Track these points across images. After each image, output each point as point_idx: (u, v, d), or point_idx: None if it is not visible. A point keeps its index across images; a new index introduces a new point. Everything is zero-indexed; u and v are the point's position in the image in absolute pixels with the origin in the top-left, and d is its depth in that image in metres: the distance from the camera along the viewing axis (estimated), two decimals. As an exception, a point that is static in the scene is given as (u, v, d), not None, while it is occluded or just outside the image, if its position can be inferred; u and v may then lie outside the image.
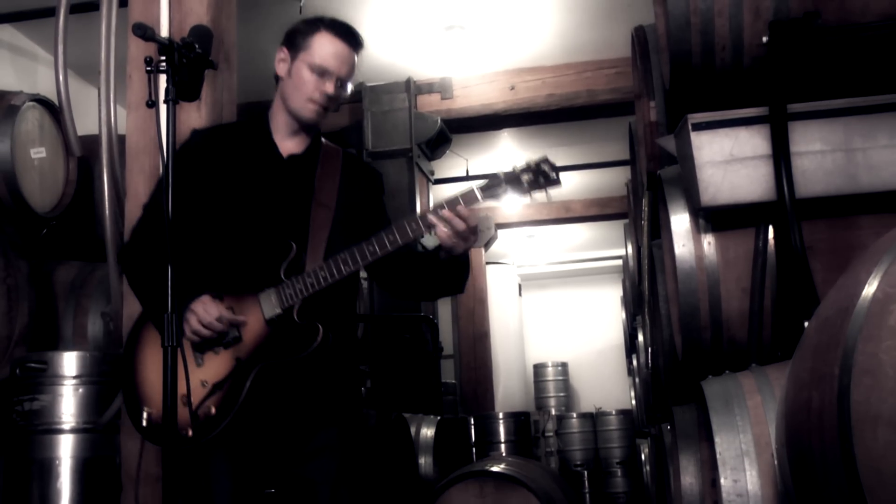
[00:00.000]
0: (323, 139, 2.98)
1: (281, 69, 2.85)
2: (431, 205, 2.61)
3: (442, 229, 2.59)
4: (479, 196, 2.61)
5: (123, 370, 2.80)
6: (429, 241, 3.15)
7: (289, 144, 2.88)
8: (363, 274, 3.10)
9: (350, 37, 2.83)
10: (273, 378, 2.69)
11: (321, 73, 2.77)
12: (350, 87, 2.87)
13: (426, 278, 2.86)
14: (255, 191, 2.81)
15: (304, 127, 2.87)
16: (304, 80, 2.78)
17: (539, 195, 2.66)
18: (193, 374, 2.61)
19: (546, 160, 2.68)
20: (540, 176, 2.65)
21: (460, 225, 2.59)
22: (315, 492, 2.77)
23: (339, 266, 2.64)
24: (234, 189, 2.80)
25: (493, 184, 2.63)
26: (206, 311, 2.62)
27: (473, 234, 2.65)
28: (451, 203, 2.59)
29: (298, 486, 2.78)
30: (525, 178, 2.64)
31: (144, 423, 2.71)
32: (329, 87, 2.77)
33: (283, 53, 2.85)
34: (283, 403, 2.74)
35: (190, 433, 2.60)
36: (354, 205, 2.89)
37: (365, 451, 3.05)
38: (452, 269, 2.76)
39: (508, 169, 2.65)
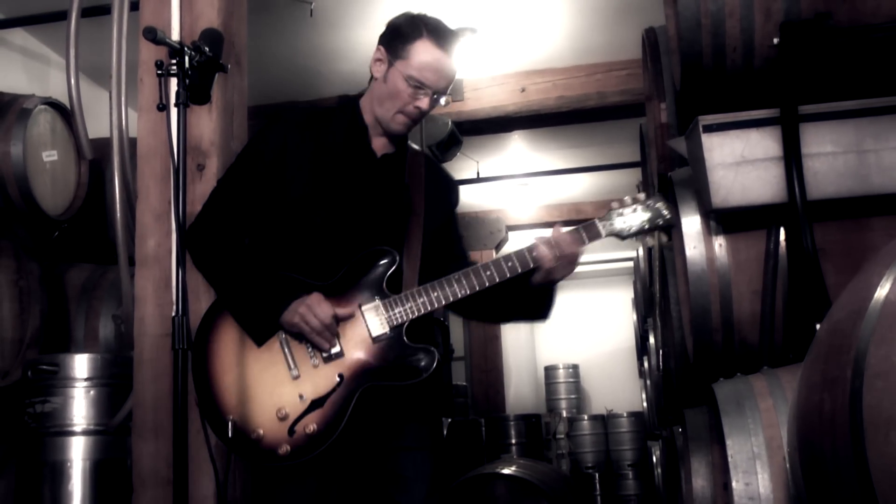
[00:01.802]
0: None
1: (377, 70, 2.68)
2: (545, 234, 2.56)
3: (551, 254, 2.52)
4: (601, 231, 2.57)
5: (195, 370, 2.55)
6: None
7: (381, 142, 2.73)
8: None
9: (451, 44, 2.66)
10: (376, 398, 2.53)
11: (418, 86, 2.60)
12: (444, 99, 2.70)
13: (515, 305, 2.72)
14: (349, 188, 2.65)
15: (391, 135, 2.72)
16: (399, 91, 2.61)
17: (655, 240, 2.63)
18: (289, 386, 2.50)
19: (661, 197, 2.61)
20: (659, 218, 2.58)
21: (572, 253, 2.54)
22: (406, 487, 2.64)
23: (454, 290, 2.52)
24: (326, 181, 2.64)
25: (612, 221, 2.58)
26: (321, 307, 2.47)
27: (574, 265, 2.58)
28: (574, 232, 2.55)
29: (388, 481, 2.64)
30: (645, 218, 2.58)
31: (231, 434, 2.48)
32: (424, 103, 2.62)
33: (380, 53, 2.68)
34: (378, 422, 2.60)
35: (287, 450, 2.45)
36: (438, 215, 2.76)
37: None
38: (544, 295, 2.67)
39: (623, 202, 2.59)
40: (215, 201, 2.71)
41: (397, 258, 2.56)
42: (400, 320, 2.52)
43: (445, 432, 6.66)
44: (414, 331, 2.54)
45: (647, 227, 2.57)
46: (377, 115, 2.69)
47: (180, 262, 2.39)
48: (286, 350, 2.53)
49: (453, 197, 2.90)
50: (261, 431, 2.48)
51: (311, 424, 2.47)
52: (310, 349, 2.52)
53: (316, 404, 2.48)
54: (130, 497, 3.37)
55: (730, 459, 2.47)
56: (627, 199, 2.58)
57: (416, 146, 2.87)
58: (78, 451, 4.14)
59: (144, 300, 3.42)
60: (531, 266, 2.52)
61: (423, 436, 2.68)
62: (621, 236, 2.57)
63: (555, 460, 10.02)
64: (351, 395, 2.48)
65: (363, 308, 2.54)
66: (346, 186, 2.65)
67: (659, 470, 7.25)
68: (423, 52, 2.61)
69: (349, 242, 2.59)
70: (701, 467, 3.32)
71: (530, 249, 2.53)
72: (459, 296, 2.51)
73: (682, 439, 3.80)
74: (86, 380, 4.19)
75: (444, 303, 2.52)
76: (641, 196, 2.60)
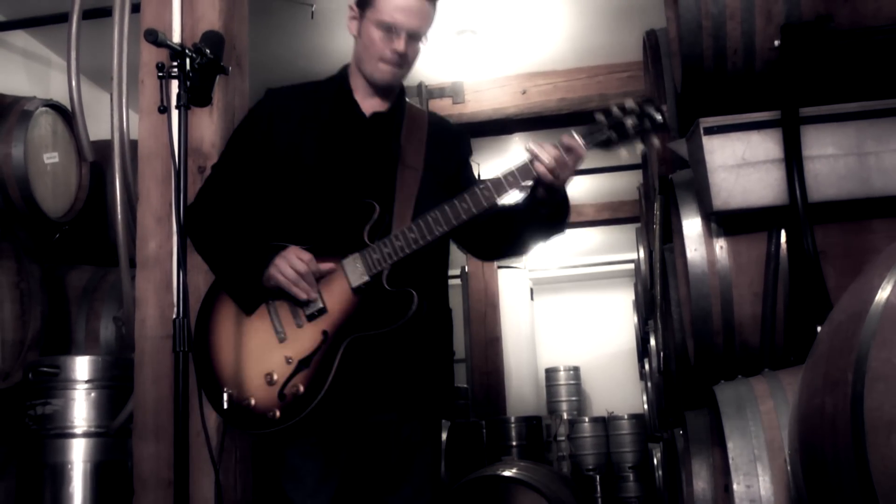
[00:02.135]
0: (408, 100, 2.82)
1: (352, 28, 2.69)
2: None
3: (543, 163, 2.41)
4: (580, 142, 2.42)
5: (196, 348, 2.56)
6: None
7: (371, 103, 2.72)
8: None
9: None
10: (364, 352, 2.49)
11: (389, 29, 2.58)
12: (425, 40, 2.67)
13: (524, 226, 2.64)
14: (337, 150, 2.64)
15: (381, 88, 2.70)
16: (373, 40, 2.61)
17: (646, 145, 2.46)
18: (276, 350, 2.49)
19: (649, 100, 2.46)
20: (646, 119, 2.42)
21: (561, 157, 2.41)
22: (413, 454, 2.63)
23: (430, 227, 2.44)
24: (314, 148, 2.64)
25: (595, 130, 2.43)
26: (295, 258, 2.46)
27: (578, 162, 2.44)
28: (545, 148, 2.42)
29: (397, 446, 2.62)
30: (630, 123, 2.42)
31: (226, 406, 2.49)
32: (399, 45, 2.59)
33: (352, 11, 2.68)
34: (375, 381, 2.55)
35: (277, 414, 2.44)
36: (443, 167, 2.71)
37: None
38: (553, 205, 2.57)
39: (609, 112, 2.44)
40: (209, 182, 2.75)
41: (377, 208, 2.51)
42: (378, 267, 2.47)
43: (446, 435, 6.65)
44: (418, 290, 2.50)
45: (631, 132, 2.43)
46: (363, 72, 2.69)
47: (181, 264, 2.39)
48: (273, 315, 2.54)
49: (462, 149, 2.86)
50: (252, 400, 2.48)
51: (298, 385, 2.45)
52: (294, 310, 2.51)
53: (303, 364, 2.47)
54: (131, 499, 3.37)
55: (731, 461, 2.47)
56: (614, 108, 2.45)
57: (418, 106, 2.85)
58: (79, 453, 4.14)
59: (145, 302, 3.42)
60: (507, 189, 2.45)
61: (426, 422, 2.66)
62: (608, 146, 2.44)
63: (555, 462, 10.01)
64: (335, 350, 2.46)
65: (343, 262, 2.50)
66: (333, 148, 2.65)
67: (660, 472, 7.25)
68: None
69: (338, 203, 2.58)
70: (702, 469, 3.32)
71: (504, 174, 2.45)
72: (437, 233, 2.45)
73: (682, 441, 3.79)
74: (87, 382, 4.19)
75: (421, 243, 2.45)
76: (629, 102, 2.46)
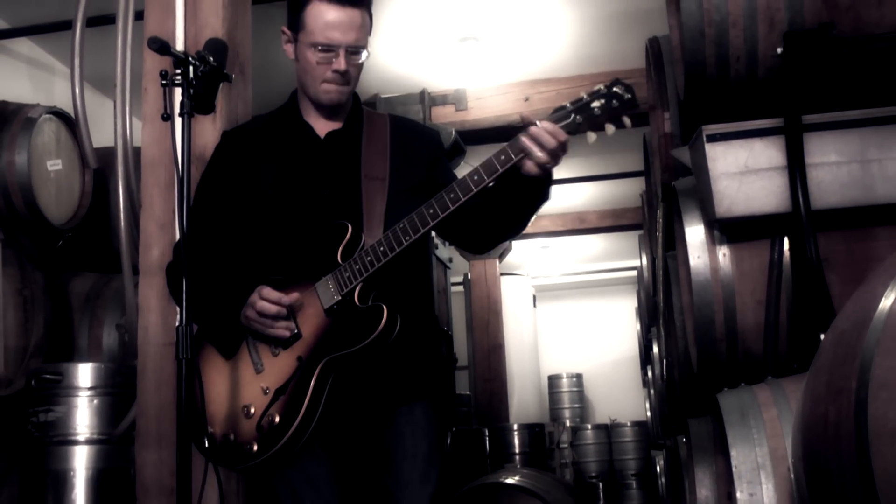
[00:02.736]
0: (366, 108, 2.76)
1: (289, 52, 2.63)
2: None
3: (536, 160, 2.29)
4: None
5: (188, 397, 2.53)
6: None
7: (325, 123, 2.67)
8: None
9: None
10: (343, 375, 2.44)
11: (326, 50, 2.52)
12: (366, 53, 2.57)
13: (509, 211, 2.50)
14: (295, 176, 2.60)
15: (330, 110, 2.65)
16: (311, 63, 2.55)
17: (614, 125, 2.33)
18: (254, 382, 2.45)
19: (617, 81, 2.35)
20: (613, 99, 2.31)
21: (550, 142, 2.28)
22: (402, 439, 2.53)
23: (398, 237, 2.36)
24: (273, 178, 2.60)
25: (561, 116, 2.32)
26: (267, 298, 2.41)
27: (562, 150, 2.31)
28: (513, 142, 2.32)
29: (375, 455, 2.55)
30: (597, 105, 2.31)
31: (207, 444, 2.46)
32: (340, 64, 2.52)
33: (286, 35, 2.63)
34: (355, 399, 2.50)
35: (255, 447, 2.38)
36: (411, 171, 2.63)
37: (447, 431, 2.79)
38: (538, 183, 2.41)
39: (578, 99, 2.34)
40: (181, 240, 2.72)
41: (349, 227, 2.45)
42: (349, 285, 2.41)
43: (449, 442, 6.65)
44: (411, 333, 2.47)
45: (598, 114, 2.32)
46: (308, 95, 2.64)
47: (184, 272, 2.39)
48: (251, 347, 2.50)
49: (430, 148, 2.75)
50: (232, 435, 2.45)
51: (274, 415, 2.39)
52: (270, 341, 2.47)
53: (279, 392, 2.41)
54: (133, 506, 3.37)
55: (734, 469, 2.47)
56: (583, 94, 2.36)
57: (378, 112, 2.79)
58: (81, 461, 4.14)
59: (148, 309, 3.42)
60: (474, 190, 2.33)
61: (414, 411, 2.58)
62: (571, 131, 2.32)
63: (558, 470, 10.00)
64: (310, 374, 2.39)
65: (317, 285, 2.46)
66: (291, 175, 2.61)
67: (662, 480, 7.24)
68: (317, 16, 2.52)
69: (308, 228, 2.54)
70: (705, 477, 3.32)
71: (471, 174, 2.35)
72: (405, 243, 2.36)
73: (685, 449, 3.79)
74: (89, 389, 4.19)
75: (389, 254, 2.37)
76: (597, 86, 2.37)
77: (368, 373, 2.51)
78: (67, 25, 4.46)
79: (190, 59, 2.42)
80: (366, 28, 2.57)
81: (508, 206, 2.48)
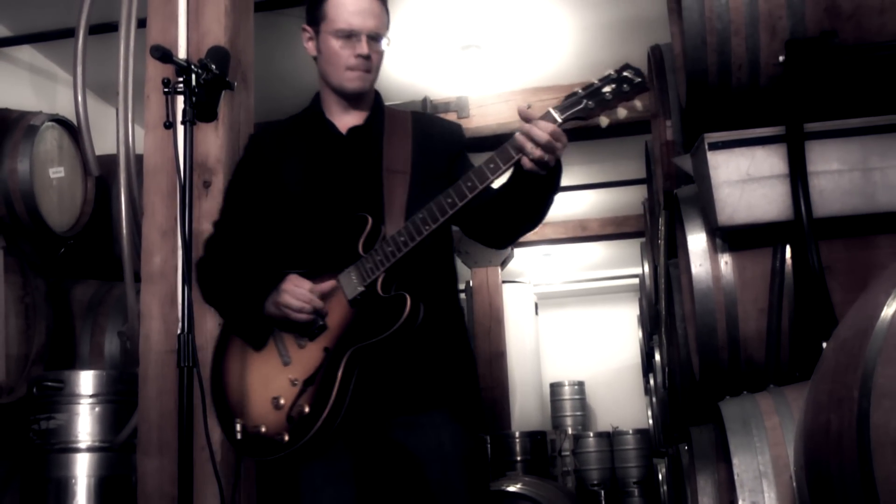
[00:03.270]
0: (387, 104, 2.81)
1: (310, 49, 2.70)
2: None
3: (528, 151, 2.30)
4: (557, 118, 2.34)
5: (212, 378, 2.61)
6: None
7: (347, 119, 2.71)
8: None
9: None
10: (369, 364, 2.47)
11: (348, 36, 2.58)
12: (387, 41, 2.65)
13: (525, 204, 2.52)
14: (318, 172, 2.65)
15: (354, 99, 2.68)
16: (334, 51, 2.61)
17: (627, 108, 2.34)
18: (282, 374, 2.49)
19: (627, 66, 2.36)
20: (624, 83, 2.33)
21: (542, 138, 2.30)
22: (422, 469, 2.51)
23: (418, 227, 2.40)
24: (298, 175, 2.65)
25: (572, 103, 2.35)
26: (296, 286, 2.46)
27: (560, 141, 2.33)
28: (527, 128, 2.32)
29: (403, 459, 2.54)
30: (608, 89, 2.33)
31: (239, 436, 2.51)
32: (362, 48, 2.58)
33: (307, 32, 2.70)
34: (382, 393, 2.51)
35: (286, 438, 2.43)
36: (432, 165, 2.66)
37: (478, 438, 2.73)
38: (551, 179, 2.44)
39: (589, 84, 2.36)
40: (211, 236, 2.77)
41: (369, 219, 2.49)
42: (372, 276, 2.44)
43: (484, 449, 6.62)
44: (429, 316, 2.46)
45: (609, 97, 2.34)
46: (331, 85, 2.68)
47: (186, 279, 2.39)
48: (277, 341, 2.54)
49: (451, 142, 2.78)
50: (263, 427, 2.49)
51: (304, 405, 2.44)
52: (296, 333, 2.51)
53: (307, 384, 2.46)
54: (135, 514, 3.36)
55: (736, 478, 2.46)
56: (594, 80, 2.38)
57: (400, 109, 2.84)
58: (83, 468, 4.14)
59: (150, 317, 3.42)
60: (490, 177, 2.37)
61: (440, 417, 2.55)
62: (584, 117, 2.35)
63: (560, 478, 9.98)
64: (337, 364, 2.44)
65: (340, 276, 2.49)
66: (315, 171, 2.65)
67: (664, 488, 7.23)
68: (338, 5, 2.60)
69: (330, 222, 2.58)
70: (707, 485, 3.31)
71: (486, 162, 2.38)
72: (425, 232, 2.39)
73: (688, 457, 3.78)
74: (91, 396, 4.19)
75: (410, 244, 2.41)
76: (607, 72, 2.38)
77: (395, 371, 2.53)
78: (70, 33, 4.47)
79: (192, 66, 2.43)
80: (384, 19, 2.65)
81: (521, 198, 2.50)
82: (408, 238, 2.41)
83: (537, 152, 2.32)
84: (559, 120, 2.34)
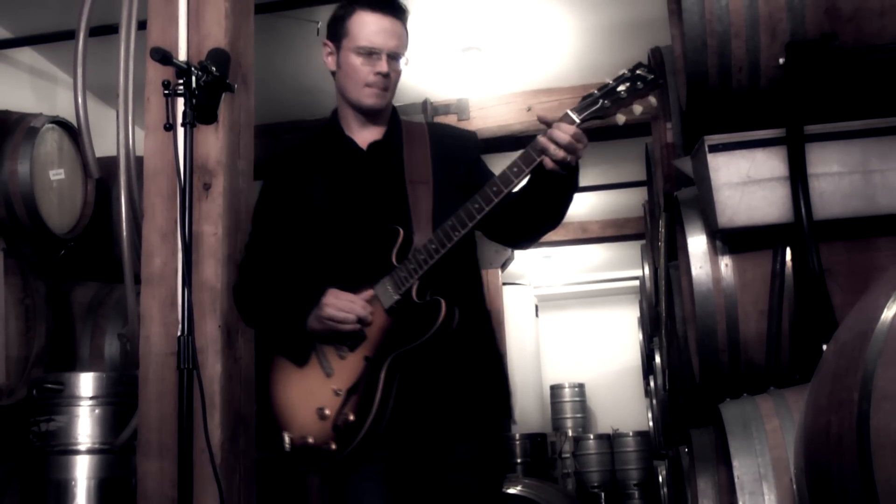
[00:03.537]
0: (403, 118, 2.87)
1: (330, 63, 2.75)
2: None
3: (552, 153, 2.35)
4: (575, 118, 2.38)
5: (258, 395, 2.70)
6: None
7: (366, 135, 2.77)
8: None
9: (389, 7, 2.69)
10: (410, 369, 2.53)
11: (369, 53, 2.65)
12: (405, 60, 2.73)
13: (545, 204, 2.59)
14: (344, 188, 2.70)
15: (372, 115, 2.75)
16: (354, 68, 2.67)
17: (642, 105, 2.40)
18: (325, 386, 2.55)
19: (639, 64, 2.43)
20: (638, 81, 2.39)
21: (564, 139, 2.35)
22: (471, 478, 2.58)
23: (448, 234, 2.46)
24: (323, 193, 2.70)
25: (589, 103, 2.40)
26: (337, 298, 2.52)
27: (582, 142, 2.38)
28: (549, 131, 2.38)
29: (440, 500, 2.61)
30: (622, 88, 2.39)
31: (287, 448, 2.58)
32: (382, 66, 2.65)
33: (328, 47, 2.75)
34: (424, 398, 2.56)
35: (334, 446, 2.49)
36: (453, 175, 2.73)
37: (503, 466, 2.85)
38: (570, 178, 2.49)
39: (604, 85, 2.42)
40: (244, 260, 2.89)
41: (400, 231, 2.56)
42: (407, 284, 2.51)
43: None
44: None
45: (624, 95, 2.39)
46: (349, 101, 2.73)
47: (186, 282, 2.39)
48: (319, 354, 2.60)
49: (469, 151, 2.86)
50: (310, 438, 2.55)
51: (348, 413, 2.50)
52: (337, 345, 2.58)
53: (351, 392, 2.52)
54: (135, 516, 3.36)
55: (736, 480, 2.46)
56: (609, 80, 2.43)
57: (416, 121, 2.91)
58: (83, 470, 4.14)
59: (150, 319, 3.42)
60: (514, 180, 2.44)
61: (472, 452, 2.61)
62: (601, 116, 2.40)
63: (560, 480, 9.99)
64: (378, 371, 2.50)
65: (375, 287, 2.55)
66: (340, 188, 2.70)
67: (665, 490, 7.23)
68: (361, 23, 2.66)
69: (360, 237, 2.63)
70: (707, 488, 3.31)
71: (510, 166, 2.45)
72: (455, 238, 2.46)
73: (688, 459, 3.78)
74: (91, 398, 4.19)
75: (441, 251, 2.47)
76: (621, 71, 2.43)
77: (431, 385, 2.58)
78: (70, 35, 4.47)
79: (192, 69, 2.43)
80: (404, 39, 2.73)
81: (543, 199, 2.56)
82: (439, 245, 2.48)
83: (560, 153, 2.37)
84: (577, 121, 2.39)
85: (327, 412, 2.53)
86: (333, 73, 2.76)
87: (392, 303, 2.52)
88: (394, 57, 2.68)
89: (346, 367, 2.55)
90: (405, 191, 2.66)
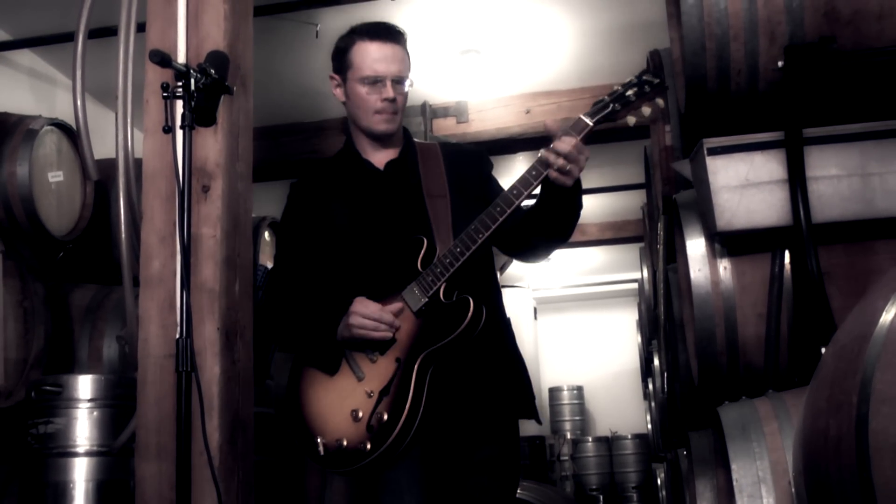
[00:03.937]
0: (416, 140, 2.98)
1: (339, 95, 2.87)
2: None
3: (552, 162, 2.50)
4: (588, 122, 2.54)
5: (289, 405, 2.76)
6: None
7: (381, 156, 2.88)
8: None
9: (387, 34, 2.82)
10: (440, 368, 2.62)
11: (374, 81, 2.76)
12: (409, 82, 2.84)
13: (553, 218, 2.72)
14: (365, 207, 2.80)
15: (385, 139, 2.86)
16: (361, 97, 2.78)
17: (650, 107, 2.57)
18: (357, 389, 2.62)
19: (646, 70, 2.62)
20: (645, 85, 2.57)
21: (565, 149, 2.49)
22: (493, 477, 2.69)
23: (472, 237, 2.57)
24: (347, 215, 2.80)
25: (601, 107, 2.57)
26: (365, 307, 2.61)
27: (583, 154, 2.52)
28: (565, 135, 2.51)
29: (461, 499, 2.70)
30: (631, 93, 2.56)
31: (322, 453, 2.65)
32: (388, 92, 2.76)
33: (335, 80, 2.87)
34: (452, 397, 2.65)
35: (368, 446, 2.56)
36: (467, 189, 2.85)
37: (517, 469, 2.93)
38: (574, 193, 2.63)
39: (613, 90, 2.60)
40: (271, 281, 2.98)
41: (424, 241, 2.66)
42: (434, 287, 2.60)
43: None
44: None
45: (633, 99, 2.57)
46: (362, 128, 2.85)
47: (184, 284, 2.39)
48: (350, 360, 2.68)
49: (481, 166, 2.97)
50: (344, 441, 2.61)
51: (382, 414, 2.57)
52: (367, 350, 2.65)
53: (383, 393, 2.59)
54: (133, 519, 3.36)
55: (735, 483, 2.46)
56: (617, 86, 2.61)
57: (427, 142, 3.03)
58: (81, 473, 4.14)
59: (148, 321, 3.42)
60: (534, 183, 2.56)
61: (494, 452, 2.71)
62: (613, 119, 2.58)
63: (559, 482, 9.99)
64: (409, 371, 2.57)
65: (403, 293, 2.65)
66: (363, 207, 2.81)
67: (663, 493, 7.22)
68: (362, 53, 2.78)
69: (386, 249, 2.73)
70: (706, 491, 3.31)
71: (528, 171, 2.57)
72: (479, 241, 2.56)
73: (686, 462, 3.78)
74: (89, 401, 4.19)
75: (466, 254, 2.57)
76: (629, 78, 2.61)
77: (461, 383, 2.67)
78: (69, 37, 4.46)
79: (191, 71, 2.43)
80: (406, 62, 2.84)
81: (550, 212, 2.69)
82: (464, 248, 2.58)
83: (560, 161, 2.49)
84: (590, 123, 2.54)
85: (360, 414, 2.59)
86: (344, 103, 2.88)
87: (421, 305, 2.62)
88: (398, 81, 2.79)
89: (378, 370, 2.63)
90: (424, 204, 2.77)
